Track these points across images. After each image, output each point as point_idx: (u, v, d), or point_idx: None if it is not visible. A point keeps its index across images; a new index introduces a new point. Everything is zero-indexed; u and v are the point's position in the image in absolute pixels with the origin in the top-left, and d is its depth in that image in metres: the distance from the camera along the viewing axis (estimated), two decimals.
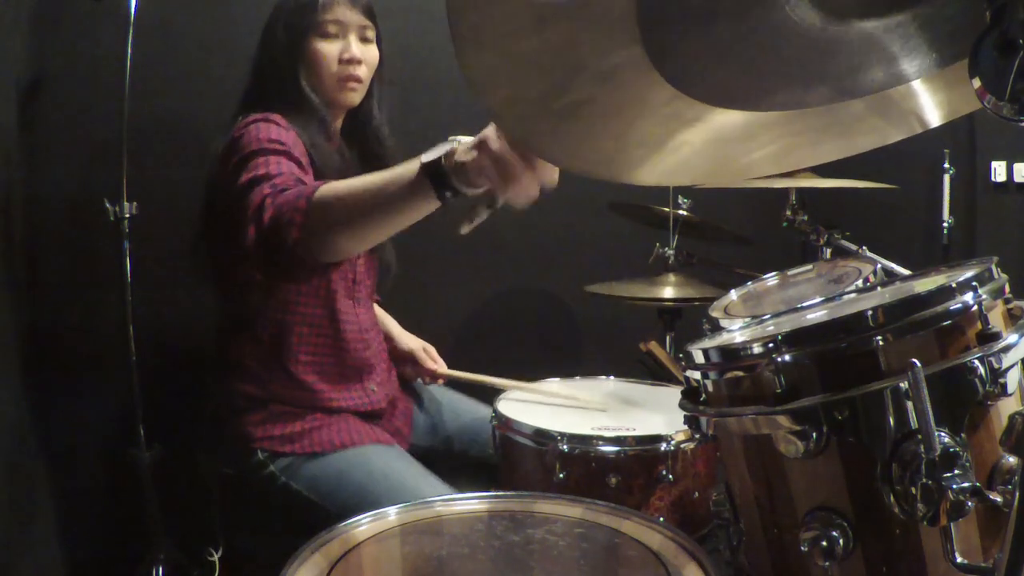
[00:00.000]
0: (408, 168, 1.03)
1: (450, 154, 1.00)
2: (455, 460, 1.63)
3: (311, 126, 1.39)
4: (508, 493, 1.08)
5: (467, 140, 0.99)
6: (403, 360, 1.72)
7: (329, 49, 1.41)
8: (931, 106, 0.76)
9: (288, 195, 1.12)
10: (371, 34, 1.46)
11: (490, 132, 0.96)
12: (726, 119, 0.71)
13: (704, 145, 0.76)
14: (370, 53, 1.46)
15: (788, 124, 0.75)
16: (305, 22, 1.40)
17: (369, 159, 1.54)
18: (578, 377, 1.70)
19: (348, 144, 1.54)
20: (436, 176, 1.00)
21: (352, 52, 1.42)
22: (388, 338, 1.72)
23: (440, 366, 1.71)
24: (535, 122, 0.67)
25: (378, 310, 1.76)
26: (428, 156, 1.01)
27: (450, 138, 1.03)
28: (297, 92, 1.40)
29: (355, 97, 1.47)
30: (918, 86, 0.71)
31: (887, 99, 0.72)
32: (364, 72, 1.45)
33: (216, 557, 1.58)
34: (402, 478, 1.32)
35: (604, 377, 1.70)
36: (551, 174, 0.97)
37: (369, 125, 1.55)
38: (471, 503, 1.02)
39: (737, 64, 0.67)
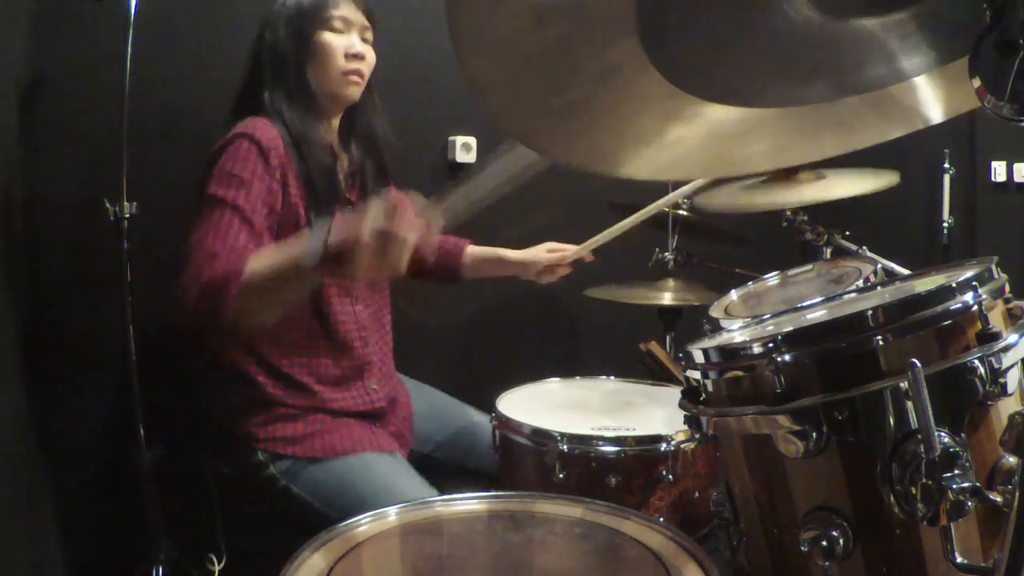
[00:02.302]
0: (304, 249, 1.12)
1: (329, 237, 1.07)
2: (454, 467, 1.62)
3: (306, 119, 1.42)
4: (508, 493, 1.08)
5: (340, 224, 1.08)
6: (538, 274, 1.77)
7: (337, 42, 1.45)
8: (931, 102, 0.75)
9: (211, 291, 1.20)
10: (369, 36, 1.51)
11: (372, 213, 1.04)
12: (723, 115, 0.71)
13: (701, 140, 0.76)
14: (370, 53, 1.50)
15: (785, 120, 0.75)
16: (314, 16, 1.44)
17: (368, 159, 1.56)
18: (578, 377, 1.70)
19: (345, 144, 1.55)
20: (327, 263, 1.09)
21: (358, 48, 1.46)
22: (509, 265, 1.77)
23: (569, 252, 1.75)
24: (533, 120, 0.67)
25: (480, 249, 1.79)
26: (312, 242, 1.10)
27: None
28: (300, 82, 1.43)
29: (356, 92, 1.49)
30: (918, 82, 0.71)
31: (886, 95, 0.72)
32: (367, 69, 1.49)
33: (217, 568, 1.58)
34: (403, 489, 1.31)
35: (604, 377, 1.70)
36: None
37: (371, 128, 1.57)
38: (471, 503, 1.02)
39: (734, 60, 0.66)
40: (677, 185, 2.00)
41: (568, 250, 1.75)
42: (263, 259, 1.21)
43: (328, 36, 1.44)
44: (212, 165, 1.35)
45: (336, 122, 1.54)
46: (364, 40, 1.49)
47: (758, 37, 0.64)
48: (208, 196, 1.32)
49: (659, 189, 2.05)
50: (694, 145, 0.76)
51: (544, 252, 1.76)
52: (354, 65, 1.46)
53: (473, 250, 1.78)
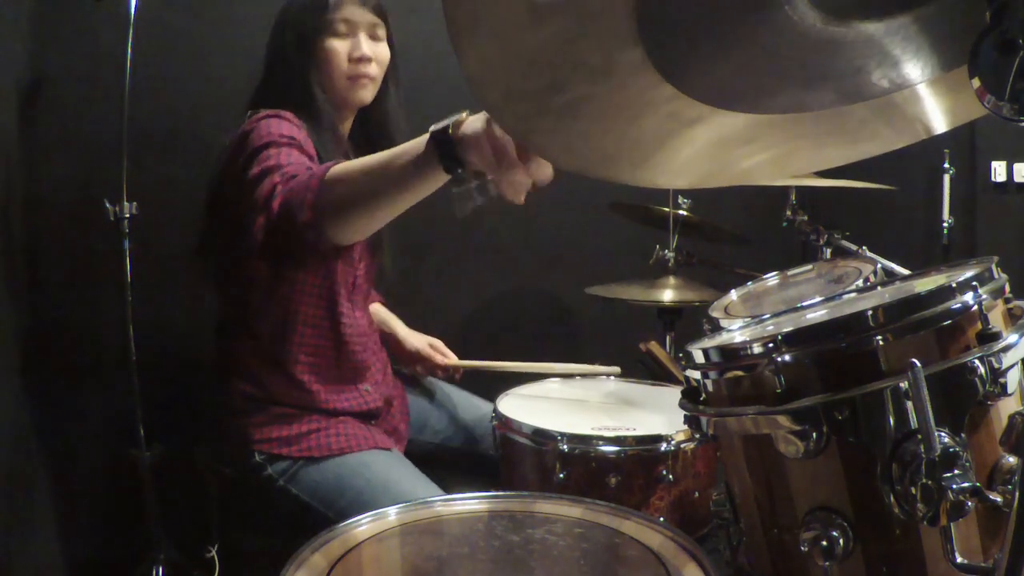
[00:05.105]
0: (416, 141, 1.05)
1: (457, 124, 1.01)
2: (456, 456, 1.63)
3: (319, 126, 1.39)
4: (508, 493, 1.08)
5: (476, 115, 1.01)
6: (412, 360, 1.72)
7: (339, 47, 1.41)
8: (935, 112, 0.75)
9: (299, 179, 1.14)
10: (381, 32, 1.46)
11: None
12: (727, 121, 0.71)
13: (705, 147, 0.76)
14: (381, 51, 1.46)
15: (790, 128, 0.75)
16: (316, 21, 1.40)
17: None
18: (578, 377, 1.70)
19: (358, 146, 1.53)
20: (443, 146, 1.02)
21: (362, 50, 1.42)
22: (395, 339, 1.72)
23: (451, 359, 1.71)
24: (533, 119, 0.67)
25: (383, 310, 1.76)
26: (437, 125, 1.03)
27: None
28: (307, 91, 1.40)
29: (366, 95, 1.46)
30: (922, 91, 0.71)
31: (891, 104, 0.72)
32: (375, 70, 1.45)
33: (214, 552, 1.58)
34: (401, 486, 1.31)
35: (604, 377, 1.70)
36: (545, 170, 0.98)
37: (386, 126, 1.54)
38: (471, 503, 1.02)
39: (737, 64, 0.66)
40: (679, 190, 2.01)
41: (448, 358, 1.71)
42: (361, 158, 1.14)
43: (331, 41, 1.41)
44: (244, 141, 1.29)
45: (348, 125, 1.52)
46: (374, 38, 1.45)
47: (761, 41, 0.63)
48: (255, 150, 1.25)
49: (660, 192, 2.05)
50: (697, 152, 0.76)
51: (427, 346, 1.72)
52: (360, 68, 1.42)
53: (377, 307, 1.75)
